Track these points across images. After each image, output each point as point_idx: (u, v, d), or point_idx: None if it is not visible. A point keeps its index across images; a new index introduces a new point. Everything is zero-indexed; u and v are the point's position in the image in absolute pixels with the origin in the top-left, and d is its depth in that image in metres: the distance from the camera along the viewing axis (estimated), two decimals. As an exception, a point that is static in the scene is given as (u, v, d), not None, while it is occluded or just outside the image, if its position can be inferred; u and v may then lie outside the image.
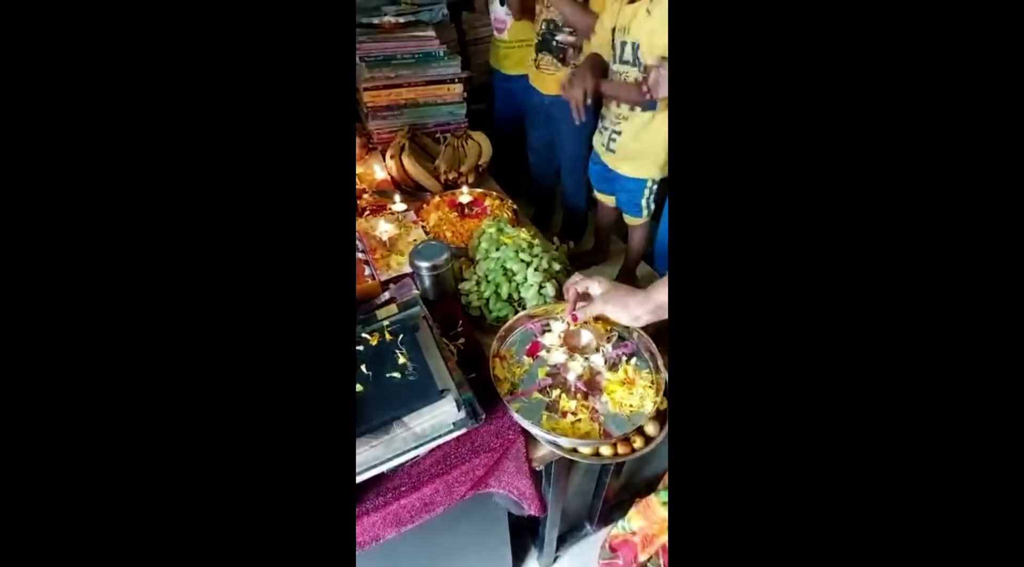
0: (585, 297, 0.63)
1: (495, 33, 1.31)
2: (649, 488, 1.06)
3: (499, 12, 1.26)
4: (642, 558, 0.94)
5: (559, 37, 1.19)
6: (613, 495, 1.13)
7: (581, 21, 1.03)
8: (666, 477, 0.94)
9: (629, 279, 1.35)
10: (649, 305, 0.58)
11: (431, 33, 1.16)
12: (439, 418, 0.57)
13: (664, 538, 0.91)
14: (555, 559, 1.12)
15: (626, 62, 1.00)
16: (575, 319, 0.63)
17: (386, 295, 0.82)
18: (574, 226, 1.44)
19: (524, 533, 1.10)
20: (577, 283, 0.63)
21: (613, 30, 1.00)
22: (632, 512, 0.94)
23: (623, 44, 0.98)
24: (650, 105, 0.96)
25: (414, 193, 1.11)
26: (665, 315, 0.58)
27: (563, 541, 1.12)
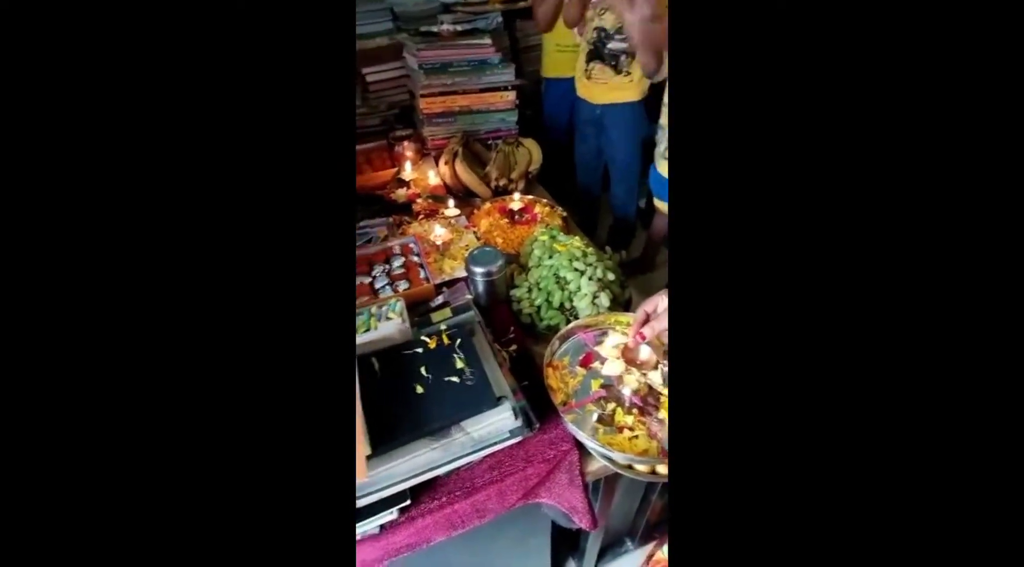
0: (651, 316, 0.61)
1: (577, 37, 1.29)
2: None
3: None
4: None
5: (611, 44, 1.17)
6: (656, 514, 1.09)
7: (639, 28, 1.02)
8: None
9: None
10: None
11: (487, 41, 1.18)
12: (496, 425, 0.57)
13: None
14: (593, 574, 1.09)
15: None
16: (642, 337, 0.62)
17: (440, 298, 0.84)
18: (623, 235, 1.42)
19: (563, 545, 1.09)
20: (646, 303, 0.62)
21: None
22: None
23: None
24: None
25: (465, 198, 1.13)
26: None
27: (602, 556, 1.10)
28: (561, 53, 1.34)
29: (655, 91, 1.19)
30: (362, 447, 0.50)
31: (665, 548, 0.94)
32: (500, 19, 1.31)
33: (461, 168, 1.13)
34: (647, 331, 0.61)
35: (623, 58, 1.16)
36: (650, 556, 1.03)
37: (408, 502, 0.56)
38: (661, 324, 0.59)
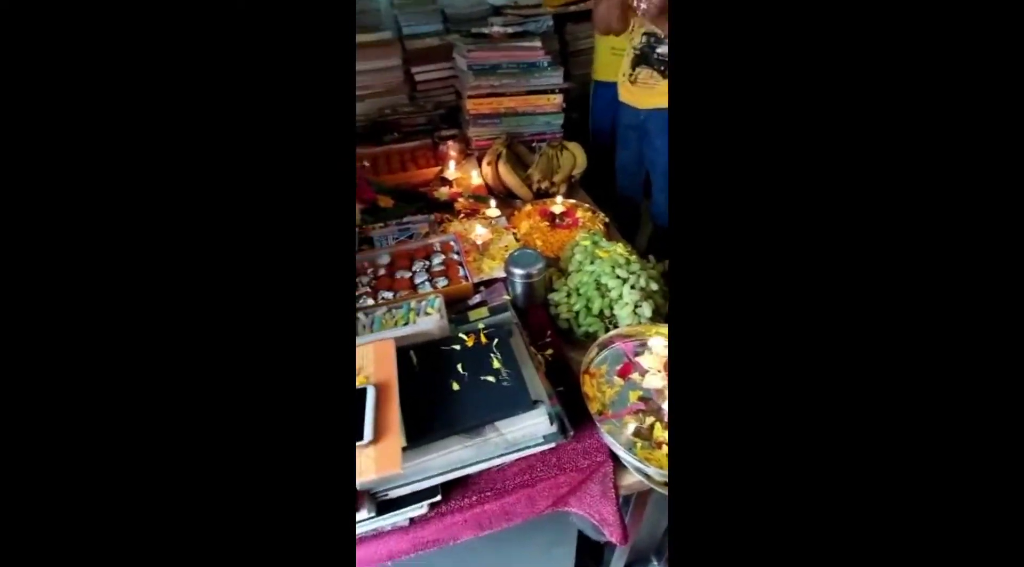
0: None
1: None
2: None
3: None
4: None
5: (660, 49, 1.15)
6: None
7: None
8: None
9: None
10: None
11: (537, 43, 1.18)
12: (531, 428, 0.56)
13: None
14: (615, 590, 1.06)
15: None
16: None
17: (477, 297, 0.84)
18: (663, 243, 1.38)
19: (587, 557, 1.06)
20: None
21: None
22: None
23: None
24: None
25: (506, 200, 1.13)
26: None
27: (626, 573, 1.07)
28: (616, 56, 1.32)
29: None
30: (398, 438, 0.50)
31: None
32: (551, 22, 1.31)
33: (504, 169, 1.13)
34: None
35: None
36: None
37: (439, 498, 0.56)
38: None
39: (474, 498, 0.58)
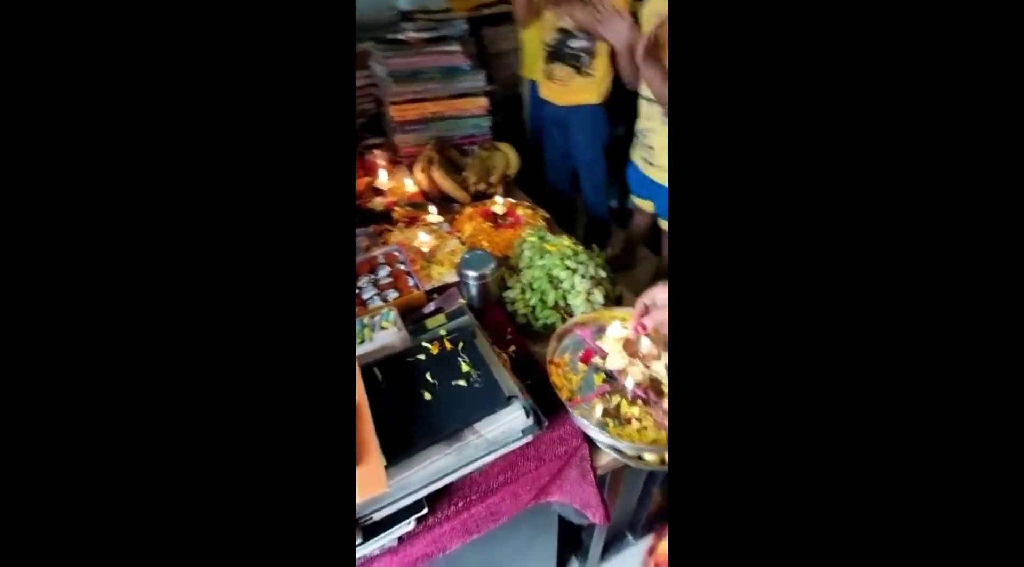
0: (650, 308, 0.63)
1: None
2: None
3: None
4: None
5: (572, 43, 1.20)
6: (656, 506, 1.12)
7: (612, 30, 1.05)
8: None
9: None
10: None
11: (457, 47, 1.18)
12: (508, 425, 0.57)
13: None
14: (597, 570, 1.10)
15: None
16: (643, 328, 0.63)
17: (432, 305, 0.83)
18: (598, 233, 1.45)
19: (566, 544, 1.09)
20: (644, 295, 0.63)
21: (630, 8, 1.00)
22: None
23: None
24: None
25: (443, 204, 1.12)
26: None
27: (604, 551, 1.11)
28: (530, 55, 1.36)
29: (617, 93, 1.23)
30: (378, 458, 0.49)
31: (666, 541, 0.95)
32: (466, 25, 1.31)
33: (438, 174, 1.12)
34: (648, 322, 0.62)
35: (584, 58, 1.19)
36: (652, 548, 1.05)
37: (425, 510, 0.54)
38: (661, 315, 0.61)
39: (460, 504, 0.58)
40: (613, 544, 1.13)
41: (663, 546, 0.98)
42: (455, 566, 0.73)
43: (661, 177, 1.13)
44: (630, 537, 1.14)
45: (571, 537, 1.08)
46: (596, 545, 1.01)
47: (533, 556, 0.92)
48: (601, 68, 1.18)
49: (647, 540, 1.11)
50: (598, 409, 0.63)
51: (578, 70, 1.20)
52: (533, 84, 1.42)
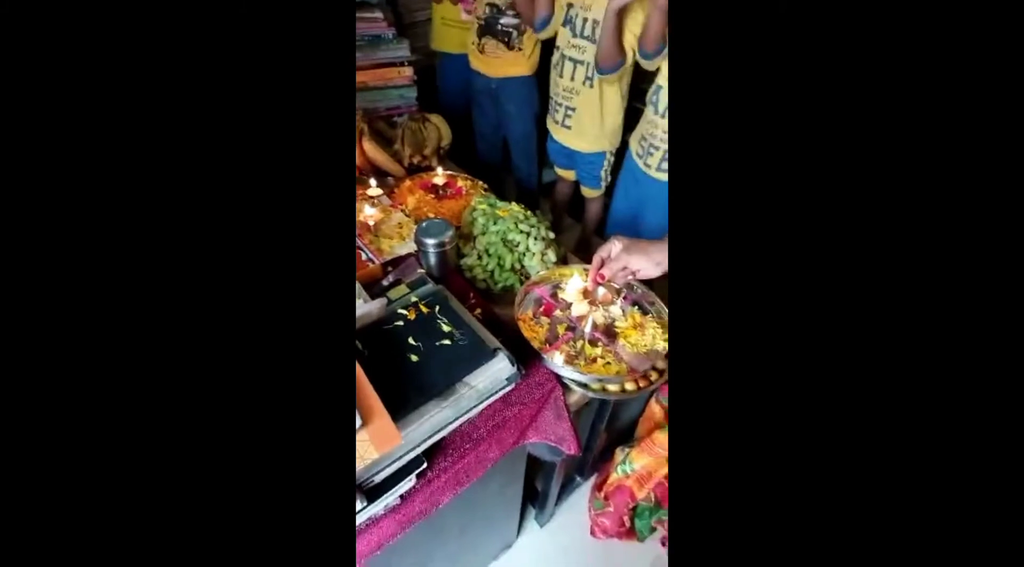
0: (605, 260, 0.70)
1: (463, 15, 1.30)
2: (630, 434, 1.19)
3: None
4: (639, 496, 1.06)
5: (503, 20, 1.23)
6: (600, 447, 1.25)
7: (525, 3, 1.09)
8: (658, 415, 1.07)
9: (587, 249, 1.47)
10: (665, 252, 0.68)
11: (379, 15, 1.13)
12: (496, 374, 0.61)
13: (662, 472, 1.04)
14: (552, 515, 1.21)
15: (586, 37, 1.06)
16: (602, 278, 0.70)
17: (390, 277, 0.82)
18: (528, 202, 1.52)
19: (525, 495, 1.17)
20: (601, 249, 0.70)
21: (569, 5, 1.07)
22: (632, 453, 1.06)
23: (584, 20, 1.05)
24: (610, 69, 1.02)
25: (376, 177, 1.09)
26: None
27: (560, 494, 1.22)
28: (447, 27, 1.35)
29: (545, 66, 1.28)
30: (386, 416, 0.50)
31: (618, 468, 1.08)
32: (380, -8, 1.26)
33: (370, 147, 1.08)
34: (606, 272, 0.70)
35: (514, 34, 1.23)
36: (599, 484, 1.17)
37: (424, 465, 0.57)
38: (618, 264, 0.69)
39: (454, 455, 0.61)
40: (565, 489, 1.24)
41: (610, 478, 1.11)
42: (436, 528, 0.76)
43: (577, 143, 1.22)
44: (578, 479, 1.26)
45: (529, 489, 1.17)
46: (553, 490, 1.11)
47: (502, 505, 0.98)
48: (530, 43, 1.22)
49: (592, 480, 1.24)
50: (566, 352, 0.71)
51: (508, 45, 1.23)
52: (443, 58, 1.41)
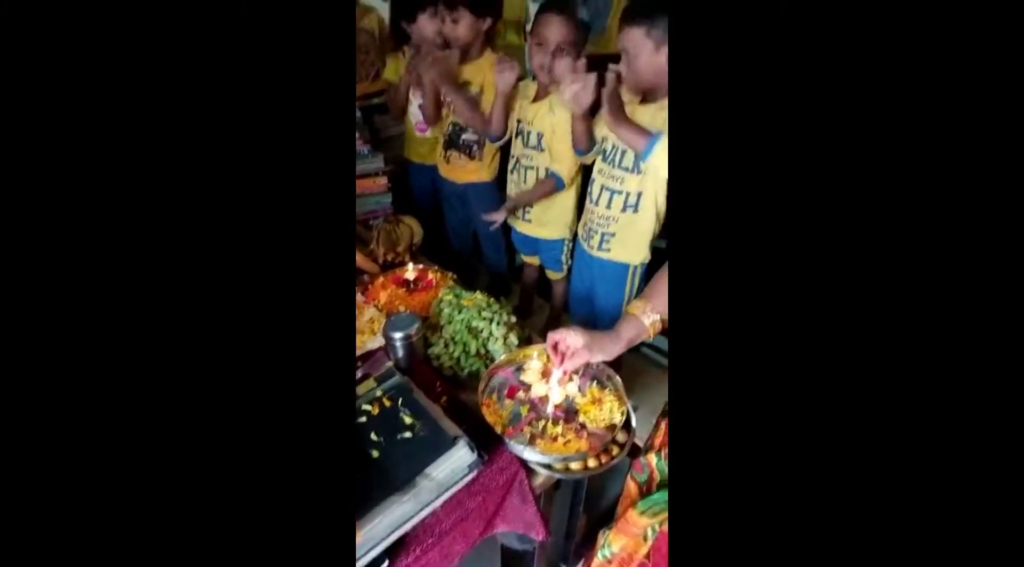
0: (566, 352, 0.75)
1: (417, 133, 1.51)
2: (610, 516, 1.16)
3: (420, 115, 1.47)
4: None
5: (464, 136, 1.42)
6: (582, 534, 1.20)
7: (477, 122, 1.29)
8: (634, 492, 1.06)
9: (558, 325, 1.54)
10: (622, 343, 0.73)
11: (355, 134, 1.30)
12: (456, 463, 0.64)
13: (641, 552, 1.01)
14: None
15: (533, 147, 1.25)
16: (566, 373, 0.76)
17: (360, 372, 0.86)
18: (500, 287, 1.62)
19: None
20: (558, 340, 0.75)
21: (519, 121, 1.26)
22: (611, 535, 1.03)
23: (529, 133, 1.24)
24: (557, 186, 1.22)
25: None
26: (632, 345, 0.74)
27: (546, 588, 1.14)
28: (415, 140, 1.55)
29: (503, 171, 1.46)
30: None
31: (599, 553, 1.04)
32: (359, 114, 1.45)
33: (347, 248, 1.18)
34: (568, 367, 0.75)
35: (475, 147, 1.41)
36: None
37: (386, 564, 0.57)
38: (580, 361, 0.74)
39: (417, 551, 0.61)
40: (552, 577, 1.17)
41: (592, 564, 1.06)
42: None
43: (537, 231, 1.35)
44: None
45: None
46: (538, 579, 1.05)
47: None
48: (489, 153, 1.40)
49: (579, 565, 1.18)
50: (528, 434, 0.73)
51: (470, 156, 1.41)
52: (411, 166, 1.60)
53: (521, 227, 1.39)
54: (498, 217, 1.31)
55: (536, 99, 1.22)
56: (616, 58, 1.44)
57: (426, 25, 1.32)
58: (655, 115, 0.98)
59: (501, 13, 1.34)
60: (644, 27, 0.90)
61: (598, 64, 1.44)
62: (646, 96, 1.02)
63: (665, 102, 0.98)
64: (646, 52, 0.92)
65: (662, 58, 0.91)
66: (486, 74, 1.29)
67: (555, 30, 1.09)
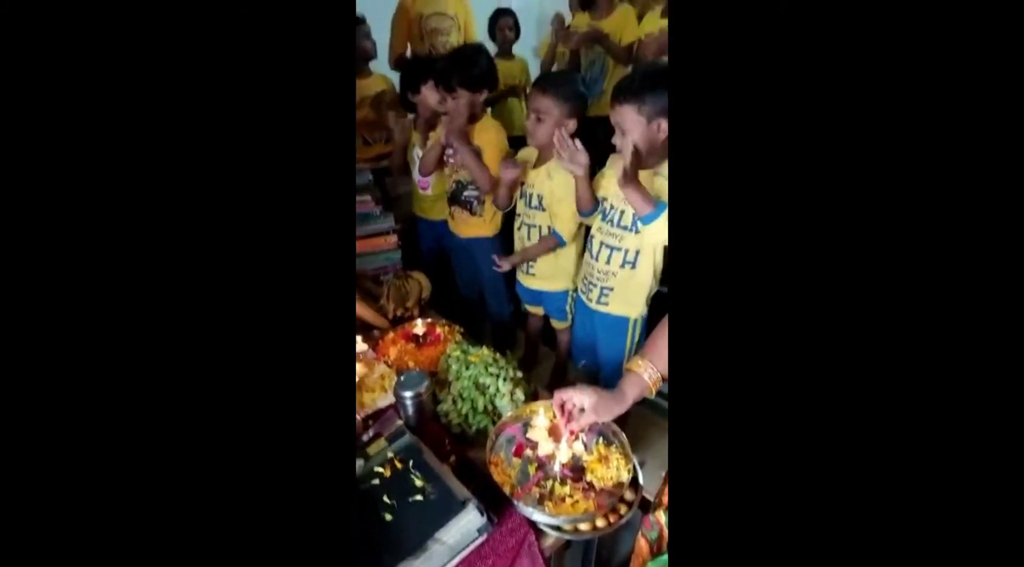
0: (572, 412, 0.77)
1: (420, 190, 1.61)
2: (626, 569, 1.13)
3: (420, 176, 1.57)
4: None
5: (466, 193, 1.51)
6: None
7: (483, 179, 1.37)
8: (644, 551, 1.04)
9: (563, 374, 1.56)
10: (627, 403, 0.75)
11: (367, 197, 1.39)
12: (466, 527, 0.65)
13: None
14: None
15: (534, 208, 1.35)
16: (573, 433, 0.78)
17: (370, 432, 0.88)
18: (505, 338, 1.65)
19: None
20: (565, 400, 0.77)
21: (521, 184, 1.35)
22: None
23: (530, 194, 1.34)
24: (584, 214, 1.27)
25: (363, 332, 1.22)
26: (636, 401, 0.76)
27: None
28: (422, 198, 1.64)
29: (507, 226, 1.53)
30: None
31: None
32: (370, 176, 1.55)
33: (359, 306, 1.23)
34: (575, 428, 0.77)
35: (475, 204, 1.49)
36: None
37: (399, 635, 0.57)
38: (587, 421, 0.76)
39: (430, 621, 0.61)
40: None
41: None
42: None
43: (541, 284, 1.41)
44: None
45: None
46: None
47: None
48: (490, 210, 1.48)
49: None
50: (536, 495, 0.74)
51: (472, 212, 1.49)
52: (424, 221, 1.68)
53: (525, 280, 1.45)
54: (504, 265, 1.38)
55: (536, 165, 1.31)
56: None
57: (429, 95, 1.44)
58: (648, 181, 1.05)
59: (496, 85, 1.47)
60: (635, 104, 0.99)
61: (598, 125, 1.57)
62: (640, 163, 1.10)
63: (657, 169, 1.05)
64: (638, 126, 1.00)
65: (653, 130, 1.00)
66: (483, 135, 1.39)
67: (547, 103, 1.19)
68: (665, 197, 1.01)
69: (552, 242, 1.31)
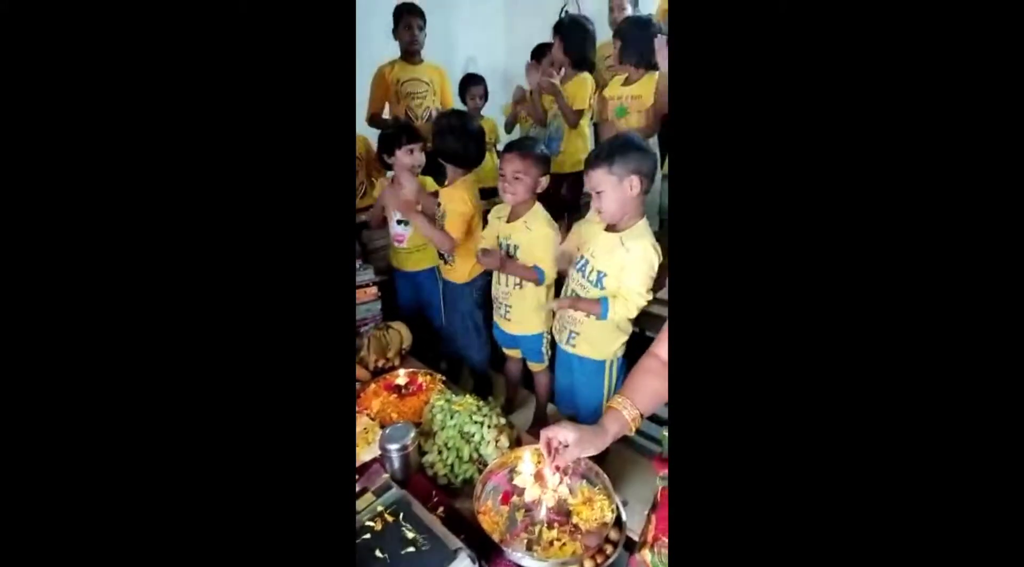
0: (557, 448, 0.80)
1: (395, 244, 1.67)
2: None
3: (397, 229, 1.64)
4: None
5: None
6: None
7: (438, 240, 1.47)
8: None
9: (544, 417, 1.58)
10: (608, 437, 0.78)
11: (348, 253, 1.43)
12: (459, 577, 0.66)
13: None
14: None
15: (512, 257, 1.43)
16: (558, 468, 0.81)
17: (357, 487, 0.88)
18: (484, 385, 1.68)
19: None
20: (550, 437, 0.79)
21: (497, 236, 1.44)
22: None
23: (508, 245, 1.42)
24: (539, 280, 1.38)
25: (346, 384, 1.22)
26: (616, 437, 0.80)
27: None
28: (398, 252, 1.71)
29: (485, 277, 1.60)
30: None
31: None
32: (349, 232, 1.61)
33: (340, 358, 1.25)
34: (560, 464, 0.80)
35: (448, 256, 1.57)
36: None
37: None
38: (572, 454, 0.79)
39: None
40: None
41: None
42: None
43: (519, 329, 1.49)
44: None
45: None
46: None
47: None
48: (459, 259, 1.56)
49: None
50: (525, 540, 0.76)
51: (444, 261, 1.57)
52: (402, 272, 1.74)
53: (502, 324, 1.50)
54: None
55: (510, 220, 1.41)
56: (568, 176, 1.80)
57: (402, 157, 1.55)
58: (617, 243, 1.17)
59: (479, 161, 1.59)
60: (605, 167, 1.11)
61: (561, 181, 1.70)
62: (611, 226, 1.21)
63: (627, 232, 1.18)
64: (610, 187, 1.13)
65: (625, 188, 1.12)
66: (450, 199, 1.49)
67: (525, 165, 1.32)
68: (635, 251, 1.14)
69: (533, 273, 1.37)
